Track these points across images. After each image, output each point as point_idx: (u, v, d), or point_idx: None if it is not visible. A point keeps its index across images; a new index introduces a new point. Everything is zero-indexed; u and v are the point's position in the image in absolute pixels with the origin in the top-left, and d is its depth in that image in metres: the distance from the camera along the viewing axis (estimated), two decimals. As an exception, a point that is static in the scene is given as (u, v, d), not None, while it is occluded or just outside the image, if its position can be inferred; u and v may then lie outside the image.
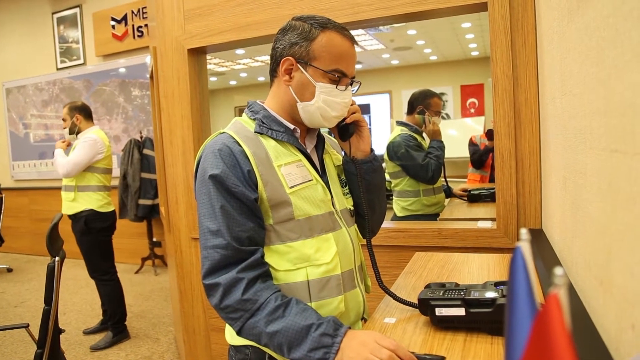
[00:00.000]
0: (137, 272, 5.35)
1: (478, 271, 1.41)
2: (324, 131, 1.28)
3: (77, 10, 5.92)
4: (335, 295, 1.07)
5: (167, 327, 3.70)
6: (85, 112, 3.42)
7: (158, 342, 3.44)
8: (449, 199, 2.96)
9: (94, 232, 3.32)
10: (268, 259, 1.05)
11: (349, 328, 0.95)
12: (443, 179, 2.74)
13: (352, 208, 1.22)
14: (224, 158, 1.02)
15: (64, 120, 3.39)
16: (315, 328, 0.92)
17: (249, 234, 1.01)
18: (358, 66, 6.88)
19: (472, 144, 3.69)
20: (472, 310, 0.95)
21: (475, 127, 7.03)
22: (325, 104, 1.08)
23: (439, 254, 1.62)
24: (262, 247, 1.04)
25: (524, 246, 0.40)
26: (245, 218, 1.01)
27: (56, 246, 2.04)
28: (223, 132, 1.09)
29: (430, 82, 7.97)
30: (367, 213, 1.19)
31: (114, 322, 3.44)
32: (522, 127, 1.72)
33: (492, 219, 1.88)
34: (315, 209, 1.08)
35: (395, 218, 2.74)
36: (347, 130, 1.18)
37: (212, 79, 9.24)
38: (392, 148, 2.65)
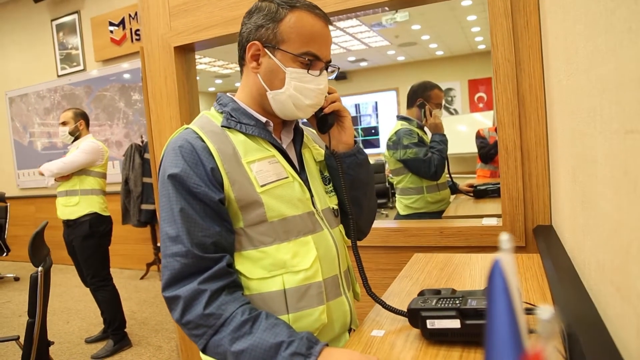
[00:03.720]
0: (142, 277, 5.28)
1: (480, 274, 1.28)
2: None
3: (75, 16, 5.87)
4: (316, 305, 0.95)
5: (170, 333, 3.61)
6: (87, 121, 3.52)
7: (160, 349, 3.35)
8: (454, 196, 2.82)
9: (98, 236, 3.32)
10: (239, 266, 0.94)
11: (326, 345, 0.83)
12: (447, 175, 2.61)
13: (335, 207, 1.10)
14: (184, 156, 0.91)
15: (65, 123, 3.39)
16: (286, 346, 0.81)
17: (215, 239, 0.90)
18: (364, 63, 6.79)
19: (479, 137, 3.53)
20: (468, 322, 0.82)
21: (484, 121, 6.87)
22: (297, 92, 0.96)
23: (440, 254, 1.49)
24: (230, 254, 0.93)
25: (504, 259, 0.28)
26: (209, 221, 0.90)
27: (40, 255, 1.95)
28: (187, 128, 0.98)
29: (437, 77, 7.81)
30: (351, 211, 1.07)
31: (114, 330, 3.37)
32: (527, 115, 1.59)
33: (498, 216, 1.75)
34: (291, 209, 0.96)
35: (399, 217, 2.61)
36: (325, 121, 1.06)
37: (218, 81, 9.18)
38: (391, 144, 2.52)
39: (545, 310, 0.20)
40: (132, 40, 5.40)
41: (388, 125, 8.54)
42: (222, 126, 0.98)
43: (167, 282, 0.88)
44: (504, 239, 0.28)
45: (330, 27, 1.02)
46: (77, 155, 3.29)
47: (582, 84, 0.92)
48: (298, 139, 1.09)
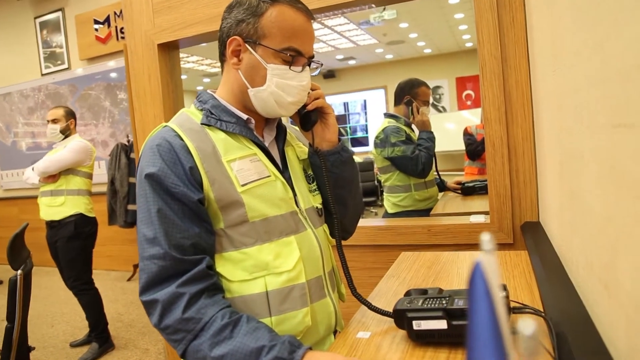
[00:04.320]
0: (129, 279, 5.21)
1: (468, 272, 1.26)
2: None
3: (59, 13, 5.77)
4: (300, 307, 0.93)
5: (156, 336, 3.56)
6: (76, 120, 3.47)
7: (147, 352, 3.30)
8: (442, 193, 2.81)
9: (83, 237, 3.25)
10: (220, 268, 0.91)
11: (309, 348, 0.81)
12: (435, 172, 2.59)
13: (319, 206, 1.07)
14: (162, 154, 0.88)
15: (55, 120, 3.31)
16: (267, 351, 0.78)
17: (194, 240, 0.87)
18: (352, 62, 6.78)
19: (466, 133, 3.52)
20: (454, 322, 0.80)
21: (472, 119, 6.89)
22: (279, 88, 0.94)
23: (427, 253, 1.47)
24: (210, 256, 0.90)
25: (486, 261, 0.26)
26: (188, 222, 0.87)
27: (20, 258, 1.90)
28: (165, 126, 0.95)
29: (425, 75, 7.82)
30: (335, 211, 1.04)
31: (98, 332, 3.32)
32: (514, 111, 1.58)
33: (486, 213, 1.74)
34: (273, 208, 0.94)
35: (387, 215, 2.60)
36: (308, 118, 1.04)
37: (206, 79, 9.10)
38: (378, 142, 2.50)
39: (528, 326, 0.18)
40: (117, 38, 5.33)
41: (377, 124, 8.56)
42: (201, 124, 0.95)
43: (144, 286, 0.85)
44: (486, 239, 0.26)
45: (319, 25, 1.00)
46: (64, 154, 3.21)
47: (568, 79, 0.90)
48: (281, 136, 1.06)
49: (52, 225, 3.25)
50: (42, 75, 6.04)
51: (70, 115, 3.39)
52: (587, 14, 0.72)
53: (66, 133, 3.34)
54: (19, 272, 1.76)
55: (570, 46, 0.87)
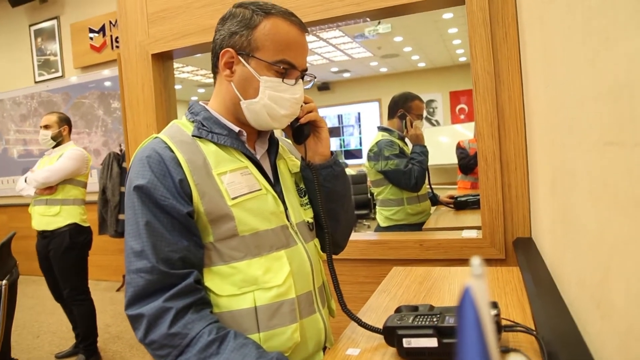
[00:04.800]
0: (118, 289, 5.15)
1: (460, 288, 1.25)
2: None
3: (54, 21, 5.77)
4: (289, 323, 0.91)
5: (145, 348, 3.50)
6: (70, 127, 3.40)
7: (135, 365, 3.25)
8: (435, 207, 2.81)
9: (79, 247, 3.19)
10: (208, 282, 0.90)
11: (298, 366, 0.80)
12: (428, 186, 2.59)
13: (310, 221, 1.06)
14: (152, 166, 0.87)
15: (48, 127, 3.25)
16: (255, 368, 0.76)
17: (182, 254, 0.85)
18: (346, 74, 6.80)
19: (459, 148, 3.54)
20: (445, 340, 0.79)
21: (465, 133, 6.92)
22: (271, 101, 0.93)
23: (419, 268, 1.46)
24: (199, 270, 0.89)
25: (477, 286, 0.25)
26: (177, 236, 0.86)
27: (5, 268, 1.87)
28: (156, 137, 0.94)
29: (419, 89, 7.87)
30: (327, 225, 1.03)
31: (88, 344, 3.25)
32: (507, 126, 1.58)
33: (478, 228, 1.73)
34: (263, 223, 0.93)
35: (379, 229, 2.59)
36: (301, 131, 1.03)
37: (200, 90, 9.10)
38: (372, 155, 2.50)
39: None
40: (112, 47, 5.32)
41: (371, 136, 8.58)
42: (193, 136, 0.94)
43: (130, 300, 0.83)
44: (476, 263, 0.25)
45: (314, 37, 1.00)
46: (63, 162, 3.13)
47: (560, 95, 0.90)
48: (273, 149, 1.05)
49: (44, 235, 3.16)
50: (36, 82, 6.01)
51: (64, 121, 3.31)
52: (579, 30, 0.72)
53: (58, 140, 3.27)
54: (4, 282, 1.74)
55: (561, 62, 0.88)
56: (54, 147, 3.29)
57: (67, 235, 3.13)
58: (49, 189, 3.14)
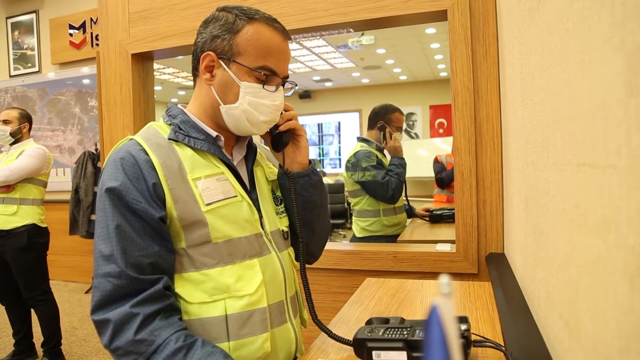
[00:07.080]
0: (87, 291, 5.02)
1: (431, 302, 1.25)
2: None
3: (33, 15, 5.65)
4: (260, 332, 0.90)
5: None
6: (31, 125, 3.29)
7: (100, 370, 3.16)
8: (410, 219, 2.83)
9: (37, 248, 3.08)
10: (179, 289, 0.88)
11: (266, 377, 0.78)
12: (404, 198, 2.61)
13: (286, 229, 1.05)
14: (125, 168, 0.85)
15: (7, 122, 3.13)
16: (222, 378, 0.75)
17: (153, 259, 0.83)
18: (328, 84, 6.82)
19: (437, 162, 3.58)
20: (415, 354, 0.79)
21: (444, 147, 7.01)
22: (251, 107, 0.92)
23: (392, 280, 1.46)
24: (169, 276, 0.87)
25: (443, 305, 0.25)
26: (148, 240, 0.84)
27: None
28: (131, 139, 0.92)
29: (399, 101, 7.93)
30: (302, 234, 1.02)
31: (51, 347, 3.14)
32: (484, 143, 1.60)
33: (453, 242, 1.75)
34: (237, 230, 0.91)
35: (355, 239, 2.59)
36: (280, 139, 1.02)
37: (181, 92, 9.01)
38: (350, 165, 2.51)
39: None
40: (92, 45, 5.23)
41: (350, 146, 8.61)
42: (169, 139, 0.92)
43: (96, 304, 0.81)
44: (444, 282, 0.25)
45: (297, 45, 1.00)
46: (24, 161, 3.02)
47: (536, 114, 0.92)
48: (250, 156, 1.04)
49: (1, 234, 3.03)
50: (11, 76, 5.87)
51: (25, 118, 3.20)
52: (556, 52, 0.74)
53: (17, 137, 3.15)
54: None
55: (538, 81, 0.89)
56: (11, 144, 3.16)
57: (25, 236, 3.01)
58: (5, 187, 3.01)
